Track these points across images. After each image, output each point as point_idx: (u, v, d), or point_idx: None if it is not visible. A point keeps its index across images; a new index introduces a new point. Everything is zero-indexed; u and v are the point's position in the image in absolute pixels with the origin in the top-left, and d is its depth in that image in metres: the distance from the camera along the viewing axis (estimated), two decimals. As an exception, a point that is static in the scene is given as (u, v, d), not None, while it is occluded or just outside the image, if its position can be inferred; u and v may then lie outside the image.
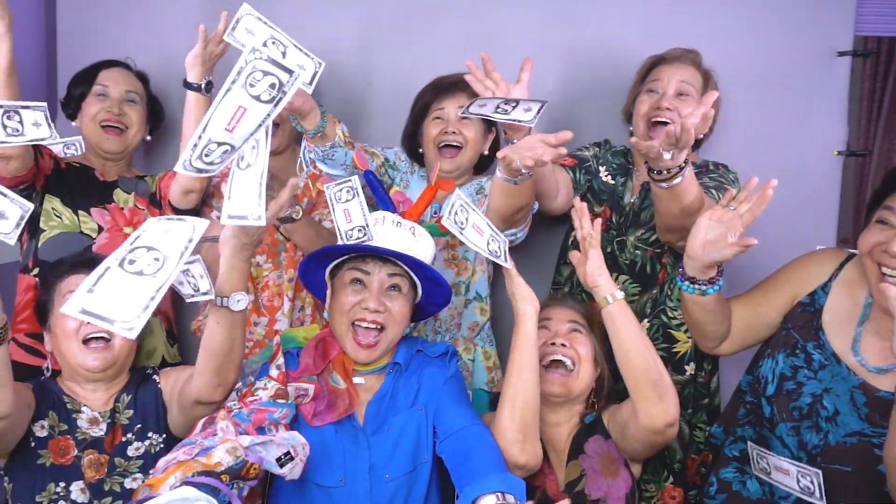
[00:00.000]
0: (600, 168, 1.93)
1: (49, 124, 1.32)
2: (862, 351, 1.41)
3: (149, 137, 2.06)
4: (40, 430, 1.46)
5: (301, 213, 1.75)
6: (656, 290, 1.85)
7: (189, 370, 1.51)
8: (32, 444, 1.44)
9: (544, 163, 1.44)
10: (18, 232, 1.20)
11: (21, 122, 1.29)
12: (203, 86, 1.82)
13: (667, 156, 1.40)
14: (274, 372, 1.44)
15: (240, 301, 1.35)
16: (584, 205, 1.55)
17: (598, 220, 1.53)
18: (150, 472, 1.20)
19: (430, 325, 1.92)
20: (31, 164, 1.78)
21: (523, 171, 1.48)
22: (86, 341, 1.48)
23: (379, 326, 1.46)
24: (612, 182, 1.91)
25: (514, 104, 1.47)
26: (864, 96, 4.05)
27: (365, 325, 1.45)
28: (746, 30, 2.17)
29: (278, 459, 1.19)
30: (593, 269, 1.50)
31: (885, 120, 4.11)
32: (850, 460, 1.40)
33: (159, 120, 2.11)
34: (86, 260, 1.56)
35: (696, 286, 1.49)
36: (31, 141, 1.30)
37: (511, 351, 1.48)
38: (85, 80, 1.95)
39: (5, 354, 1.28)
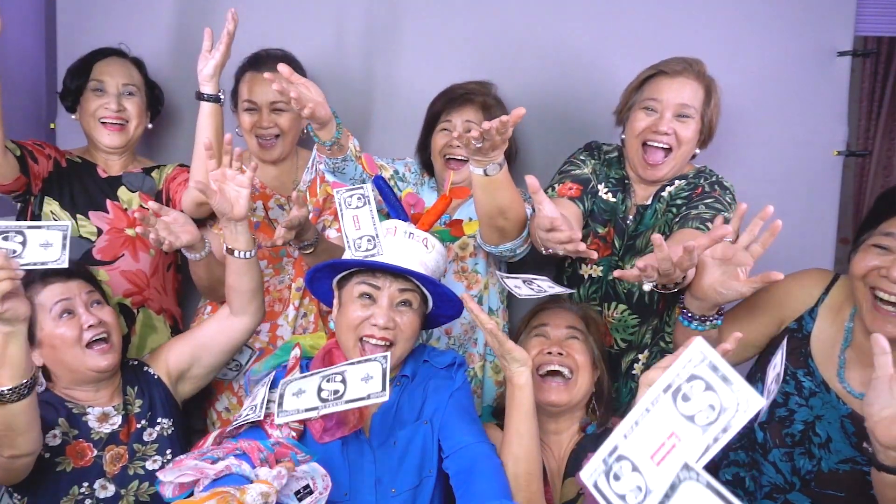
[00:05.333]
0: (600, 185, 1.82)
1: (64, 247, 1.29)
2: (847, 377, 1.39)
3: (150, 125, 2.03)
4: (53, 440, 1.47)
5: (314, 247, 1.75)
6: (657, 321, 1.79)
7: (175, 343, 1.69)
8: (47, 455, 1.45)
9: (486, 130, 1.37)
10: (67, 252, 1.27)
11: (24, 242, 1.28)
12: (220, 96, 1.80)
13: (647, 287, 1.32)
14: None
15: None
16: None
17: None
18: (170, 470, 1.18)
19: (442, 343, 1.90)
20: (16, 174, 1.76)
21: (475, 144, 1.41)
22: (88, 345, 1.50)
23: (388, 343, 1.42)
24: (613, 200, 1.81)
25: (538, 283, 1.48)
26: (864, 96, 4.05)
27: (373, 341, 1.41)
28: (746, 29, 2.17)
29: (297, 493, 1.16)
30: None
31: (885, 120, 4.11)
32: (843, 486, 1.39)
33: (159, 104, 2.07)
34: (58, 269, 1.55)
35: (707, 322, 1.40)
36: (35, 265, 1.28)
37: (508, 416, 1.39)
38: (80, 72, 1.92)
39: (34, 402, 1.32)
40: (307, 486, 1.17)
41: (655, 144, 1.71)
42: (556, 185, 1.78)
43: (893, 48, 3.97)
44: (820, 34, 2.16)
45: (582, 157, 1.85)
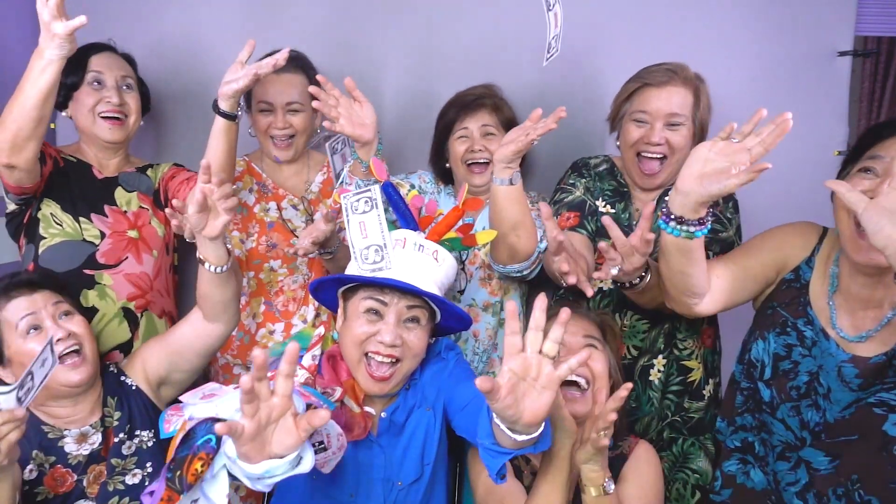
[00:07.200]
0: (597, 202, 1.81)
1: (53, 352, 1.28)
2: (839, 324, 1.39)
3: (141, 122, 1.99)
4: (28, 474, 1.41)
5: (333, 254, 1.74)
6: (668, 325, 1.77)
7: (150, 349, 1.60)
8: (25, 489, 1.39)
9: (532, 141, 1.45)
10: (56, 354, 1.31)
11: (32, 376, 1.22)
12: (238, 115, 1.73)
13: (613, 271, 1.42)
14: (308, 361, 1.37)
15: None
16: (626, 390, 1.29)
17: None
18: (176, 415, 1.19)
19: (469, 345, 1.92)
20: (37, 179, 1.72)
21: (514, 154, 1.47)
22: (60, 359, 1.42)
23: (393, 359, 1.37)
24: (614, 210, 1.80)
25: None
26: (863, 96, 4.05)
27: (379, 358, 1.36)
28: (746, 30, 2.17)
29: (312, 446, 1.11)
30: (583, 456, 1.31)
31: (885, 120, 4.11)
32: (855, 429, 1.38)
33: (147, 102, 2.03)
34: (21, 282, 1.49)
35: (684, 227, 1.29)
36: None
37: (537, 484, 1.33)
38: (75, 67, 1.85)
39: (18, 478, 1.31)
40: (321, 443, 1.14)
41: (649, 155, 1.72)
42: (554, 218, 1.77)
43: (893, 48, 3.97)
44: (820, 34, 2.16)
45: (571, 181, 1.85)
